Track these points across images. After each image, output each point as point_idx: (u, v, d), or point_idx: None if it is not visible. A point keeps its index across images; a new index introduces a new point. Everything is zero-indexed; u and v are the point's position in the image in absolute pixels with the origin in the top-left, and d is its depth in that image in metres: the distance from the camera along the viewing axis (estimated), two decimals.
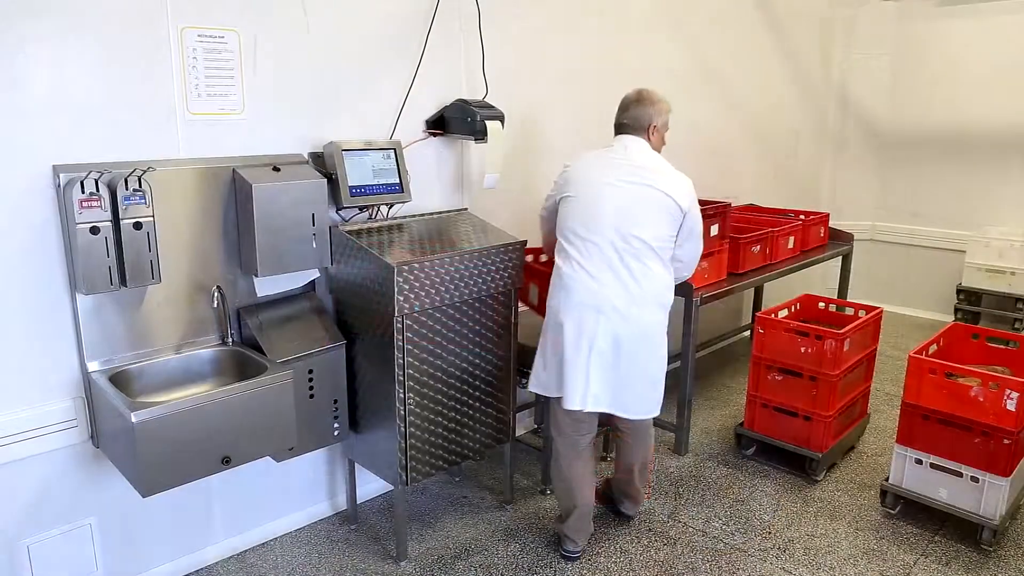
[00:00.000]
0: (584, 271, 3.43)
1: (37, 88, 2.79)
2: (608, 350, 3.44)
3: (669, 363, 5.92)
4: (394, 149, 3.73)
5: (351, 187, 3.53)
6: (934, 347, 4.24)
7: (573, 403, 3.49)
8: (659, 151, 3.64)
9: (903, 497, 4.11)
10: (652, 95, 3.63)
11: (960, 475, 3.87)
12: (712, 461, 4.78)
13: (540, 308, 3.82)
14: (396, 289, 3.26)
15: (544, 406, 4.35)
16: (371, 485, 4.23)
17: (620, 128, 3.63)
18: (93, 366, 3.02)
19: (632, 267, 3.40)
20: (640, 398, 3.56)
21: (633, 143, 3.56)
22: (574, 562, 3.75)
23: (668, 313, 3.58)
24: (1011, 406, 3.67)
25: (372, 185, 3.61)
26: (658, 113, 3.60)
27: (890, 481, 4.14)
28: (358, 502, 4.08)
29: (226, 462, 2.92)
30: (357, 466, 3.92)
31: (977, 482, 3.82)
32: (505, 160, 4.21)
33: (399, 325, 3.34)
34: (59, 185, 2.82)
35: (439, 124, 4.04)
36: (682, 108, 5.83)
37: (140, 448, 2.68)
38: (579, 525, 3.75)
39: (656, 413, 3.64)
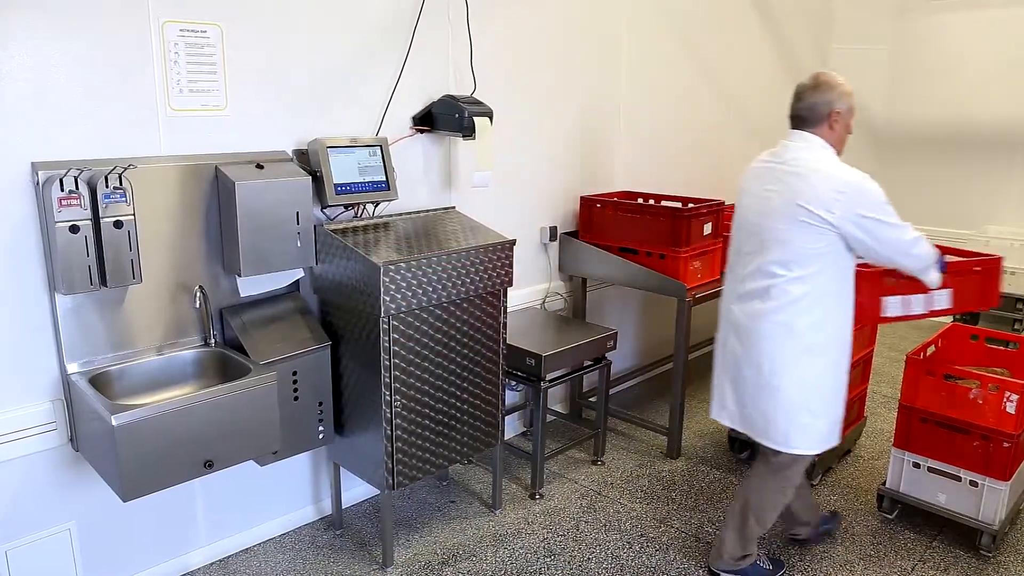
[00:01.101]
0: (726, 279, 3.54)
1: (15, 84, 2.81)
2: (733, 362, 3.45)
3: (660, 364, 5.96)
4: (380, 146, 3.76)
5: (336, 185, 3.55)
6: (932, 348, 4.28)
7: (712, 413, 3.61)
8: (842, 143, 3.34)
9: (900, 501, 4.16)
10: (831, 78, 3.32)
11: (959, 479, 3.92)
12: (705, 465, 4.82)
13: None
14: (382, 289, 3.29)
15: (532, 409, 4.37)
16: (357, 489, 4.26)
17: (794, 121, 3.34)
18: (73, 367, 3.04)
19: (759, 278, 3.28)
20: (765, 421, 3.35)
21: (796, 141, 3.29)
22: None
23: (809, 336, 3.24)
24: (1011, 409, 3.71)
25: (358, 183, 3.64)
26: (840, 97, 3.28)
27: (887, 485, 4.19)
28: (343, 507, 4.11)
29: (209, 466, 2.94)
30: (342, 470, 3.95)
31: (976, 486, 3.87)
32: (496, 158, 4.23)
33: (385, 326, 3.37)
34: (38, 183, 2.85)
35: (426, 120, 4.07)
36: (674, 103, 5.89)
37: (121, 451, 2.71)
38: (789, 518, 3.85)
39: (787, 448, 3.35)
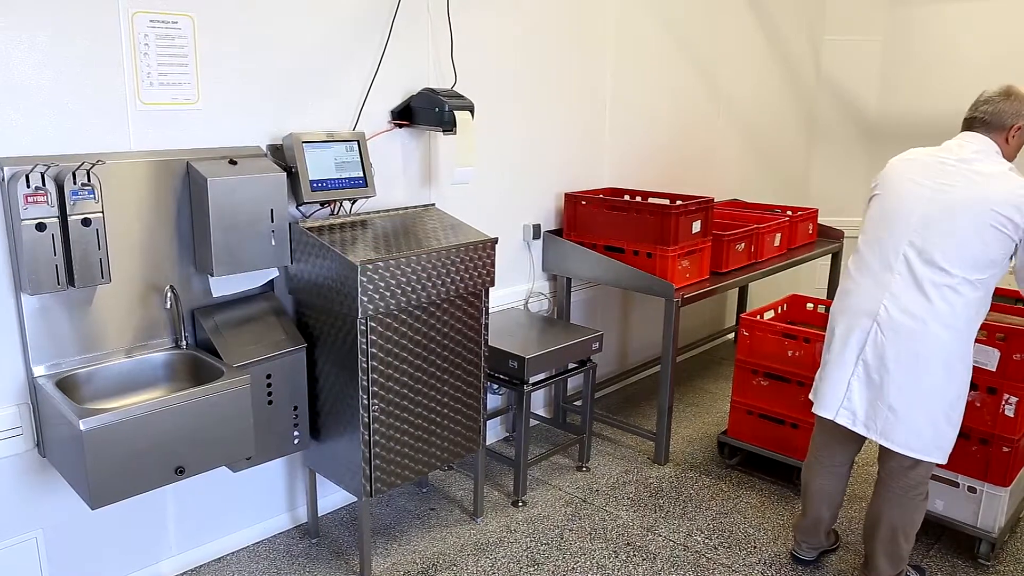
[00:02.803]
0: (869, 272, 3.43)
1: None
2: (875, 362, 3.39)
3: (647, 367, 6.00)
4: (358, 141, 3.80)
5: (312, 181, 3.59)
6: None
7: (825, 410, 3.55)
8: (1012, 159, 3.38)
9: None
10: (1022, 92, 3.37)
11: (956, 485, 3.97)
12: (694, 471, 4.88)
13: None
14: (360, 289, 3.33)
15: (514, 414, 4.41)
16: (333, 496, 4.30)
17: (970, 123, 3.42)
18: (39, 370, 3.07)
19: (926, 275, 3.27)
20: (907, 428, 3.35)
21: (973, 142, 3.36)
22: (804, 566, 3.97)
23: (963, 342, 3.29)
24: (1010, 412, 3.78)
25: (334, 179, 3.67)
26: None
27: None
28: (319, 514, 4.15)
29: (180, 472, 2.98)
30: (318, 476, 3.98)
31: (975, 492, 3.93)
32: (477, 153, 4.26)
33: (363, 327, 3.41)
34: (2, 179, 2.87)
35: (405, 115, 4.11)
36: (662, 97, 5.94)
37: (89, 457, 2.75)
38: (807, 533, 3.94)
39: (927, 457, 3.38)
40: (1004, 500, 3.86)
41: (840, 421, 3.50)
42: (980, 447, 3.87)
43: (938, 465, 3.56)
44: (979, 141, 3.34)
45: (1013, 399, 3.76)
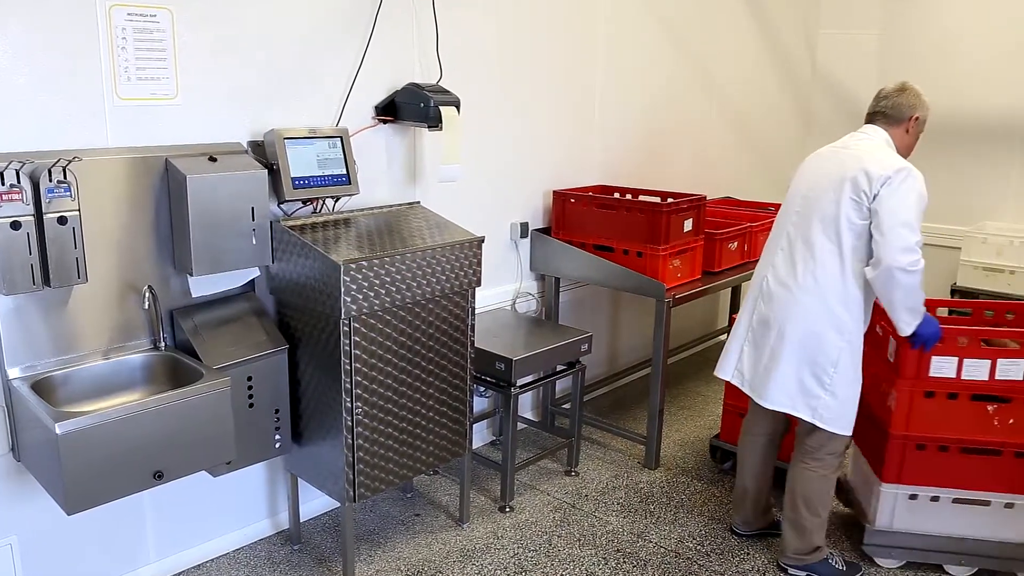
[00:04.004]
0: (765, 253, 3.91)
1: None
2: (759, 328, 3.83)
3: (638, 369, 6.02)
4: (340, 137, 3.82)
5: (294, 179, 3.62)
6: None
7: (722, 372, 4.05)
8: (908, 152, 3.77)
9: (900, 546, 4.00)
10: (917, 88, 3.78)
11: (987, 504, 3.87)
12: (686, 476, 4.92)
13: None
14: (343, 289, 3.36)
15: (501, 417, 4.44)
16: (316, 502, 4.33)
17: (871, 117, 3.81)
18: (13, 373, 3.09)
19: (798, 250, 3.69)
20: (775, 385, 3.75)
21: (867, 132, 3.77)
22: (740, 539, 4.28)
23: (833, 312, 3.61)
24: None
25: (317, 176, 3.70)
26: (922, 107, 3.75)
27: (877, 526, 3.99)
28: (301, 520, 4.17)
29: (158, 477, 3.01)
30: (300, 481, 4.00)
31: (1013, 508, 3.86)
32: (463, 150, 4.28)
33: (346, 328, 3.43)
34: None
35: (390, 110, 4.13)
36: (654, 92, 5.97)
37: (65, 462, 2.77)
38: (735, 506, 4.33)
39: (796, 413, 3.73)
40: None
41: (733, 382, 3.99)
42: (1016, 460, 3.80)
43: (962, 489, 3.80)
44: (872, 131, 3.75)
45: None
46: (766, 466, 4.12)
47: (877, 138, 3.69)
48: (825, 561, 3.88)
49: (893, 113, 3.71)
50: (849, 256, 3.55)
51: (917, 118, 3.71)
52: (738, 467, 4.21)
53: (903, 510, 3.93)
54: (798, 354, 3.67)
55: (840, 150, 3.71)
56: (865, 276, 3.53)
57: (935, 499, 3.89)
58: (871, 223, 3.48)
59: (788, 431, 4.07)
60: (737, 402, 4.74)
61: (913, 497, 3.91)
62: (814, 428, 3.71)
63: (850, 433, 3.70)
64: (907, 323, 3.56)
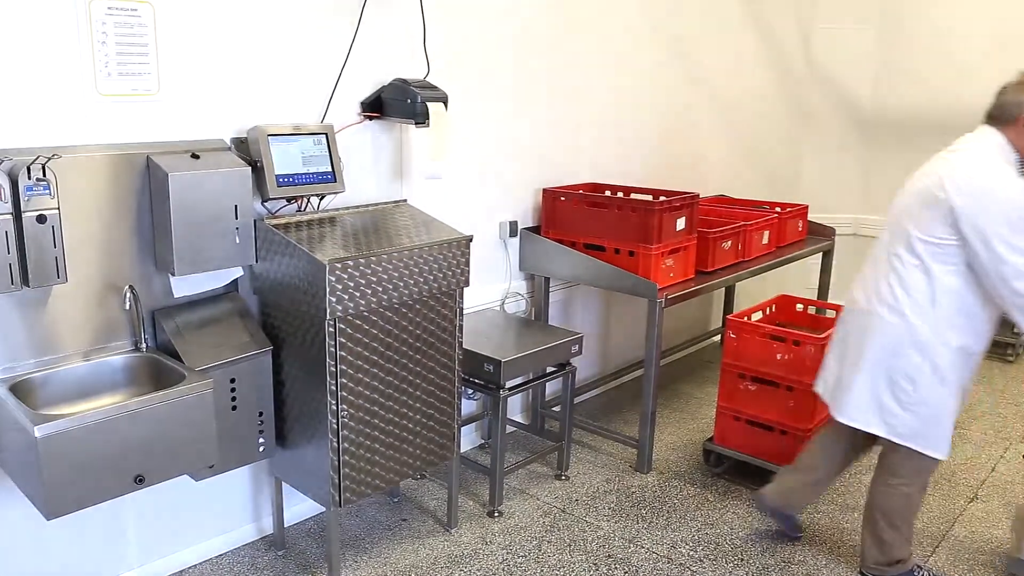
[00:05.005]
0: (864, 265, 3.86)
1: None
2: (842, 341, 3.85)
3: (630, 371, 6.03)
4: (326, 134, 3.84)
5: (278, 176, 3.63)
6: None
7: (816, 384, 4.06)
8: None
9: None
10: None
11: None
12: (678, 480, 4.94)
13: None
14: (328, 289, 3.37)
15: (490, 420, 4.45)
16: (300, 507, 4.34)
17: (986, 116, 3.57)
18: None
19: (882, 262, 3.65)
20: (851, 400, 3.74)
21: (979, 136, 3.55)
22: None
23: (914, 329, 3.53)
24: None
25: (301, 174, 3.71)
26: None
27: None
28: (286, 525, 4.19)
29: (140, 481, 3.02)
30: (285, 485, 4.02)
31: None
32: (450, 147, 4.29)
33: (331, 329, 3.45)
34: None
35: (376, 106, 4.14)
36: (646, 88, 5.98)
37: (44, 465, 2.78)
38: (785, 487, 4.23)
39: (869, 428, 3.71)
40: None
41: (817, 390, 4.02)
42: None
43: None
44: (982, 134, 3.54)
45: None
46: (831, 463, 4.09)
47: (985, 141, 3.49)
48: (910, 573, 3.85)
49: (998, 113, 3.49)
50: (934, 271, 3.46)
51: None
52: (806, 456, 4.16)
53: None
54: (874, 370, 3.64)
55: (939, 156, 3.57)
56: (954, 291, 3.45)
57: None
58: (961, 237, 3.38)
59: (865, 450, 4.05)
60: (731, 404, 4.79)
61: None
62: (895, 445, 3.67)
63: (938, 454, 3.62)
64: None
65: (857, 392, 3.70)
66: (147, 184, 3.36)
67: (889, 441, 3.68)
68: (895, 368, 3.59)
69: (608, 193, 5.36)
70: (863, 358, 3.66)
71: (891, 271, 3.57)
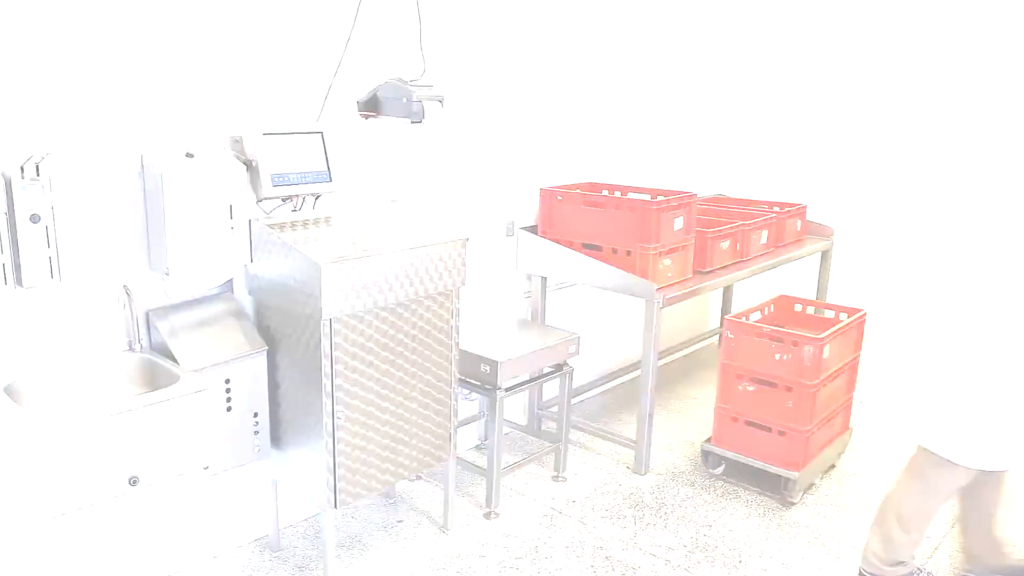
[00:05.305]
0: None
1: None
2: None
3: (627, 372, 6.00)
4: (321, 133, 3.83)
5: (273, 176, 3.62)
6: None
7: None
8: None
9: None
10: None
11: None
12: (676, 481, 4.95)
13: None
14: (324, 290, 3.37)
15: (487, 420, 4.45)
16: (296, 508, 4.34)
17: None
18: None
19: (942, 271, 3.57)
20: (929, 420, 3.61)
21: None
22: None
23: (957, 346, 3.47)
24: None
25: (297, 173, 3.71)
26: None
27: None
28: (281, 527, 4.18)
29: (133, 483, 3.02)
30: (280, 487, 4.02)
31: None
32: (447, 146, 4.29)
33: (327, 330, 3.44)
34: None
35: (372, 105, 4.12)
36: (643, 85, 5.97)
37: (38, 468, 2.78)
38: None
39: (928, 445, 3.58)
40: None
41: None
42: None
43: None
44: None
45: None
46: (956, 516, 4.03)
47: None
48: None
49: None
50: (973, 281, 3.41)
51: None
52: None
53: None
54: (925, 376, 3.59)
55: None
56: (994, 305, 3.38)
57: None
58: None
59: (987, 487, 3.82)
60: (729, 405, 4.79)
61: None
62: (923, 448, 3.59)
63: (967, 464, 3.47)
64: None
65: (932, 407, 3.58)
66: (142, 183, 3.36)
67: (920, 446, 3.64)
68: (930, 375, 3.55)
69: (606, 192, 5.36)
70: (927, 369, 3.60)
71: (947, 279, 3.52)
